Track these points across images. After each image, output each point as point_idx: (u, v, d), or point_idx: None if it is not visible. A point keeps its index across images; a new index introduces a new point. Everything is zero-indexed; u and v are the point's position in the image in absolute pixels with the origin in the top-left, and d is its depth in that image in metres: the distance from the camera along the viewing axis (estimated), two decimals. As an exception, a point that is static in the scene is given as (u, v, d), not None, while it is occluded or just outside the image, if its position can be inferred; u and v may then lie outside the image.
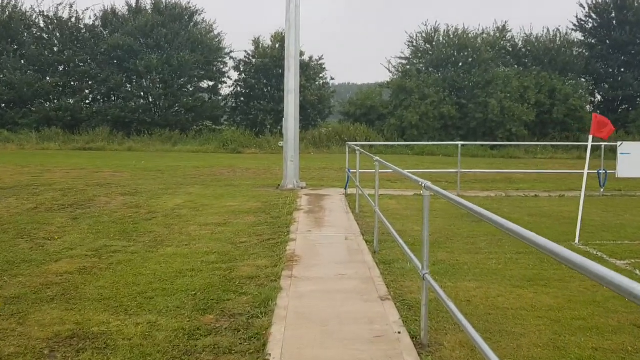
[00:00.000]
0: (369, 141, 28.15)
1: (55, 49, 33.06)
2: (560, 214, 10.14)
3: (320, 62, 34.54)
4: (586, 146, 8.36)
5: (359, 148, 9.80)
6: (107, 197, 11.53)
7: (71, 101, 32.49)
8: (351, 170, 12.59)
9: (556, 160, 26.78)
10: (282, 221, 8.91)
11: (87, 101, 33.71)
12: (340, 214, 9.79)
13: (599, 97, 35.61)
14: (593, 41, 34.86)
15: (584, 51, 34.34)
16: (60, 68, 33.18)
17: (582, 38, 35.17)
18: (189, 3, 34.50)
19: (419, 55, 34.93)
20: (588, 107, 33.83)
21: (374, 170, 13.47)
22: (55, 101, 32.38)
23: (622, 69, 34.13)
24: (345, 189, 12.70)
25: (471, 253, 6.91)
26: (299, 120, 14.21)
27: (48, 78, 32.39)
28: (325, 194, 12.54)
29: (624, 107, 34.63)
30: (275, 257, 6.54)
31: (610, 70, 34.35)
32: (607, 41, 34.06)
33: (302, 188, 13.54)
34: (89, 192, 12.22)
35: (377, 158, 6.83)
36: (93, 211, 9.89)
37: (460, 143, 13.41)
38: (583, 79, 34.03)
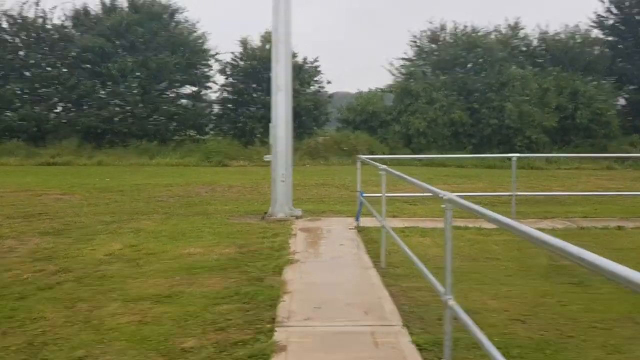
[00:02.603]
0: (373, 153, 24.64)
1: (21, 52, 29.55)
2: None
3: (315, 64, 31.15)
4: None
5: (384, 167, 6.31)
6: (17, 240, 8.02)
7: (37, 109, 28.88)
8: (364, 194, 9.18)
9: (584, 170, 23.41)
10: (264, 291, 5.43)
11: (56, 110, 30.09)
12: (357, 270, 6.31)
13: (622, 100, 32.25)
14: (615, 39, 31.64)
15: (607, 50, 31.01)
16: (27, 73, 29.65)
17: (603, 36, 31.94)
18: (169, 0, 31.03)
19: (424, 56, 31.64)
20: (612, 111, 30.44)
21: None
22: (20, 110, 28.76)
23: (649, 69, 30.86)
24: (357, 220, 9.26)
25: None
26: (291, 127, 10.80)
27: (11, 84, 28.81)
28: (328, 228, 9.07)
29: (651, 110, 31.30)
30: (242, 416, 3.09)
31: (636, 71, 31.04)
32: (631, 38, 30.87)
33: (296, 217, 10.08)
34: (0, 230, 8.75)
35: (448, 194, 3.39)
36: (-24, 268, 6.42)
37: (515, 155, 9.98)
38: (604, 81, 30.67)
